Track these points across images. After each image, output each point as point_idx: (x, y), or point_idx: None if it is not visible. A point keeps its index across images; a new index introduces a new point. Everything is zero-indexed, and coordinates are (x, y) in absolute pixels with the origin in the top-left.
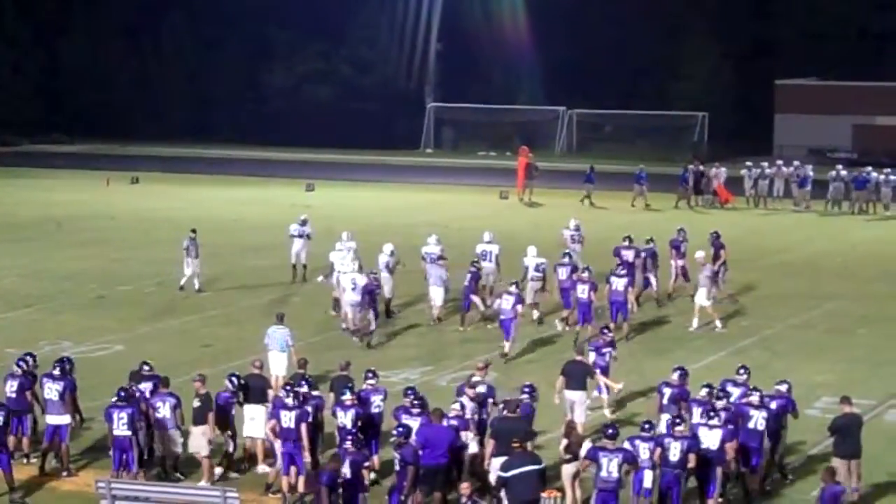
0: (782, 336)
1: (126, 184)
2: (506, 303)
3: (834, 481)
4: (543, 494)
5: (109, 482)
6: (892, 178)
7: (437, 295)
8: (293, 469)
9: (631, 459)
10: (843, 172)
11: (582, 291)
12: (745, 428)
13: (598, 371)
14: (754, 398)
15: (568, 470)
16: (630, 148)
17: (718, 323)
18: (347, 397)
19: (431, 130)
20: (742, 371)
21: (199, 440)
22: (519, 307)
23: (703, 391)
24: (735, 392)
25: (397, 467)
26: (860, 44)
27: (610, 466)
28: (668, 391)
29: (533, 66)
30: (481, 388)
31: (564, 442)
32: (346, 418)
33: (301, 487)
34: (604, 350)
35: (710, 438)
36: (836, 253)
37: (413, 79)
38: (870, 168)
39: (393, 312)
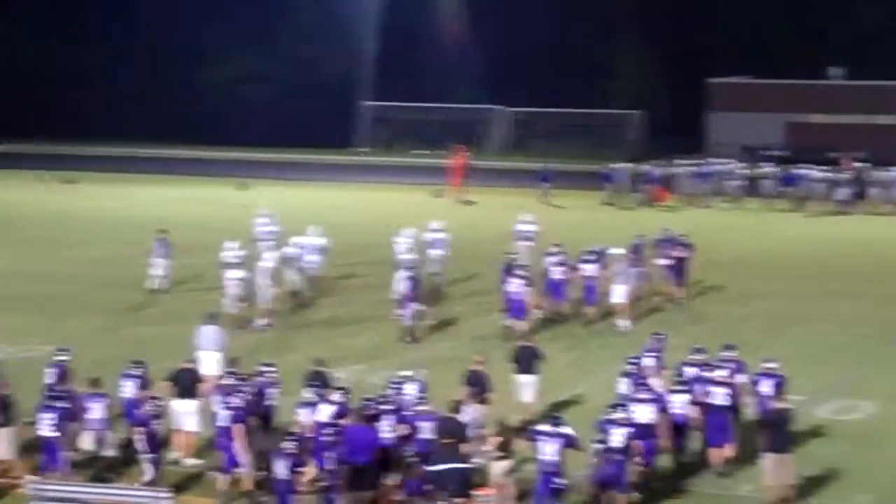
0: (715, 332)
1: (62, 183)
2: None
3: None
4: (479, 492)
5: (38, 483)
6: (825, 175)
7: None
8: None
9: (569, 444)
10: (776, 170)
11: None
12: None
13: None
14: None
15: (499, 468)
16: (566, 146)
17: (628, 322)
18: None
19: (367, 129)
20: (727, 349)
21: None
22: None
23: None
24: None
25: (328, 468)
26: (793, 42)
27: (546, 449)
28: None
29: (469, 65)
30: None
31: (496, 440)
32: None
33: (248, 486)
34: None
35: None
36: (769, 250)
37: (349, 77)
38: (803, 165)
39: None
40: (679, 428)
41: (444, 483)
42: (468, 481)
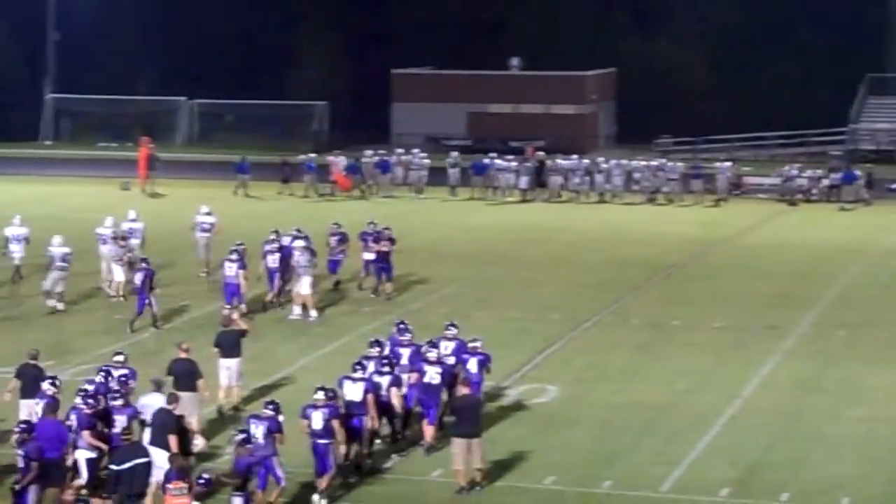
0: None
1: None
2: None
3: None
4: (170, 486)
5: None
6: (509, 164)
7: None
8: None
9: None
10: (460, 159)
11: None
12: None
13: None
14: (431, 355)
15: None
16: (251, 137)
17: (313, 313)
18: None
19: (50, 122)
20: (451, 327)
21: None
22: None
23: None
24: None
25: (20, 464)
26: (471, 33)
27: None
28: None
29: (152, 57)
30: None
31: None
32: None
33: None
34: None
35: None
36: (455, 238)
37: (30, 69)
38: (492, 154)
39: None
40: (386, 409)
41: (129, 484)
42: (148, 478)
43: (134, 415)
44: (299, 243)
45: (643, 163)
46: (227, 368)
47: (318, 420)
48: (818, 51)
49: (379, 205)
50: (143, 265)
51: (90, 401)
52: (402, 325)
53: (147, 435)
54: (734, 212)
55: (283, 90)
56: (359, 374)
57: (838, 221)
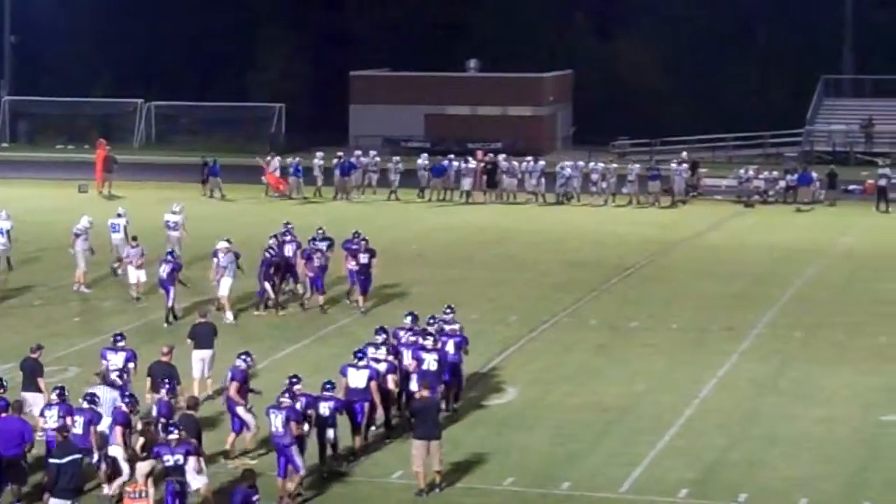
0: (361, 322)
1: None
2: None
3: (249, 484)
4: (128, 489)
5: None
6: (467, 166)
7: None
8: None
9: (295, 417)
10: (424, 161)
11: (163, 271)
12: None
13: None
14: (428, 342)
15: (143, 468)
16: (208, 139)
17: (229, 315)
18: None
19: (7, 124)
20: (448, 310)
21: None
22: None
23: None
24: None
25: None
26: (429, 35)
27: (276, 422)
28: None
29: (109, 59)
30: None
31: (140, 440)
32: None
33: None
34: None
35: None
36: (412, 240)
37: None
38: (451, 156)
39: None
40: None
41: (60, 477)
42: (81, 475)
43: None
44: (223, 244)
45: (601, 164)
46: (201, 360)
47: (277, 421)
48: (775, 53)
49: (337, 207)
50: (170, 258)
51: (127, 399)
52: (411, 316)
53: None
54: (691, 213)
55: (241, 92)
56: (363, 363)
57: (795, 223)
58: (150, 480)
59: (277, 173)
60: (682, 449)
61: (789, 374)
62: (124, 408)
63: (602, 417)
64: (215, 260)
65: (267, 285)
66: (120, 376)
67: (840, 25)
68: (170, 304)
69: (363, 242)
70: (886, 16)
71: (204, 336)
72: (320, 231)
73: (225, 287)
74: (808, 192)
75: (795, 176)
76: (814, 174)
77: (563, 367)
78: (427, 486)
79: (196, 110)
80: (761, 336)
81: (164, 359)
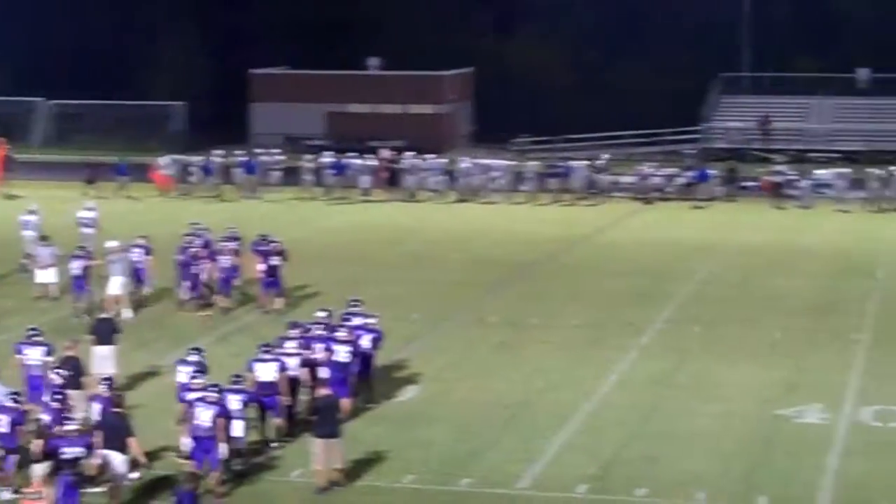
0: (263, 321)
1: None
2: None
3: (192, 487)
4: (25, 490)
5: None
6: (369, 164)
7: None
8: None
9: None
10: (327, 160)
11: (76, 268)
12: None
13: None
14: (341, 334)
15: (37, 470)
16: (110, 139)
17: (124, 313)
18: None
19: None
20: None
21: None
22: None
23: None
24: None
25: None
26: (330, 33)
27: (203, 416)
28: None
29: (8, 57)
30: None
31: (37, 442)
32: None
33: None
34: None
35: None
36: (314, 239)
37: None
38: (349, 155)
39: None
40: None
41: None
42: None
43: None
44: (112, 244)
45: (503, 162)
46: (103, 357)
47: (206, 416)
48: (672, 50)
49: (239, 206)
50: (81, 252)
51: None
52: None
53: None
54: (591, 210)
55: (141, 91)
56: (270, 356)
57: (693, 219)
58: (46, 482)
59: (164, 172)
60: (582, 445)
61: (687, 369)
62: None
63: (502, 414)
64: (106, 259)
65: (187, 284)
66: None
67: (737, 23)
68: (82, 299)
69: (273, 244)
70: (783, 13)
71: (105, 333)
72: (231, 230)
73: (115, 286)
74: (706, 188)
75: (694, 173)
76: (712, 171)
77: (463, 365)
78: (327, 484)
79: (96, 109)
80: (660, 332)
81: (71, 353)
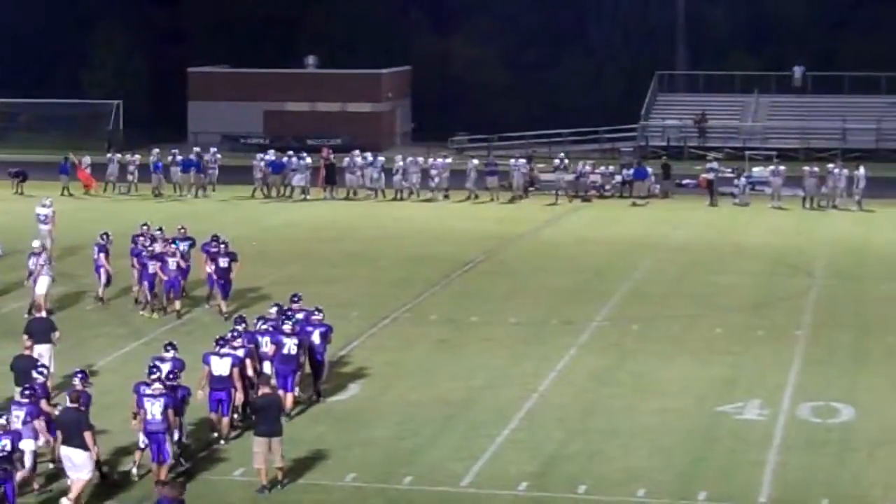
0: (199, 319)
1: None
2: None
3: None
4: None
5: None
6: (307, 162)
7: None
8: None
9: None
10: (270, 158)
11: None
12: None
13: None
14: (287, 326)
15: None
16: (45, 137)
17: (44, 313)
18: None
19: None
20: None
21: None
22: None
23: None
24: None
25: None
26: (267, 31)
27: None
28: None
29: None
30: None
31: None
32: None
33: None
34: None
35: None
36: (253, 237)
37: None
38: (290, 152)
39: None
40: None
41: None
42: None
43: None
44: (36, 244)
45: (440, 160)
46: (39, 356)
47: (156, 409)
48: (610, 49)
49: (177, 205)
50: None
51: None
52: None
53: None
54: (530, 208)
55: (79, 89)
56: (225, 349)
57: (631, 217)
58: None
59: (88, 171)
60: (523, 442)
61: (627, 366)
62: None
63: (443, 412)
64: (31, 260)
65: (145, 284)
66: None
67: (673, 22)
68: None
69: (223, 246)
70: (718, 13)
71: (41, 331)
72: (181, 230)
73: (42, 286)
74: (643, 186)
75: (631, 171)
76: (649, 169)
77: (403, 363)
78: (269, 482)
79: (33, 107)
80: (599, 329)
81: (27, 352)
